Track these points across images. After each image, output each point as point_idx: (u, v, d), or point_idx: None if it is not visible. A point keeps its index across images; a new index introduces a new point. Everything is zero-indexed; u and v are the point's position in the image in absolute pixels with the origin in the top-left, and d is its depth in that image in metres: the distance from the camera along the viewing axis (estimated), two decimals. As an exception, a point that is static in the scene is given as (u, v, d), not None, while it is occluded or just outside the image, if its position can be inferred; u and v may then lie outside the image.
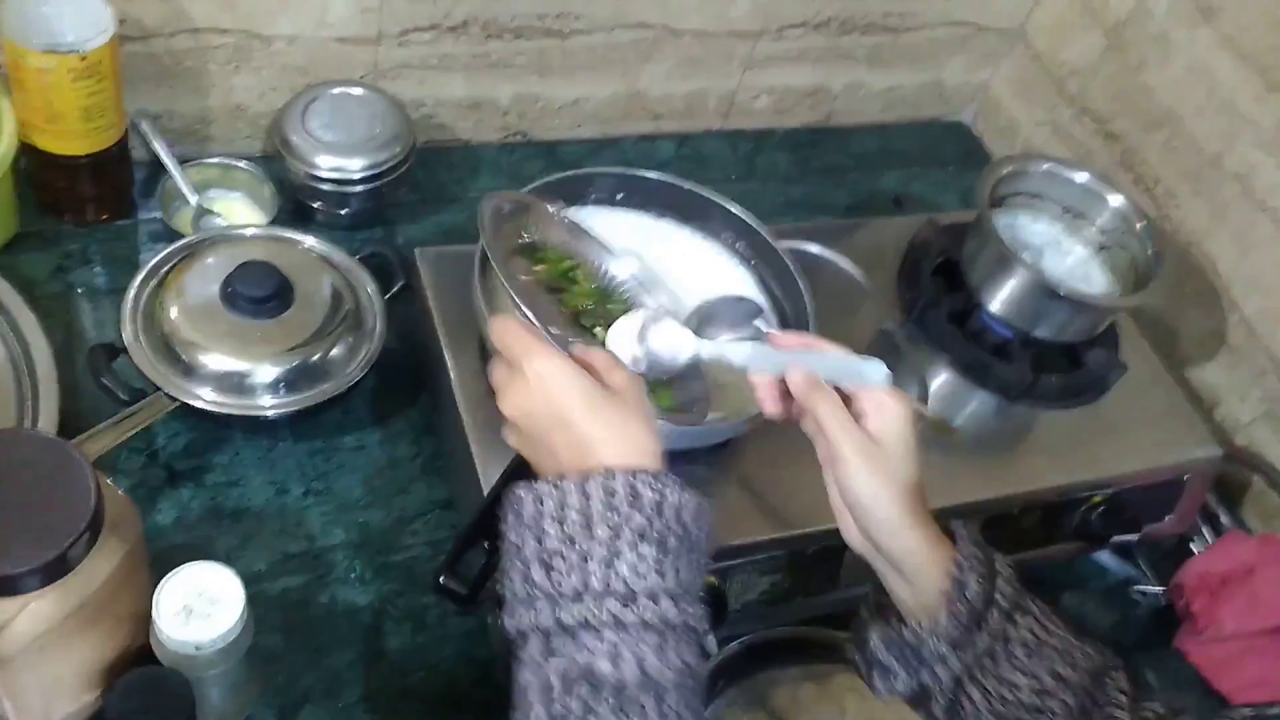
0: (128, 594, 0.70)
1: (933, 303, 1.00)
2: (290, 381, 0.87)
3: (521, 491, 0.58)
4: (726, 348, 0.69)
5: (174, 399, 0.84)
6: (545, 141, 1.22)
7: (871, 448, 0.65)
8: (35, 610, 0.63)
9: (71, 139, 0.92)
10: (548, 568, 0.56)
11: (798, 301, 0.89)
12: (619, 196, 0.94)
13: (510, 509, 0.59)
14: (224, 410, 0.85)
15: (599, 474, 0.57)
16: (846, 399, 0.67)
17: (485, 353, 0.87)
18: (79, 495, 0.64)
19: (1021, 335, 0.98)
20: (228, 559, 0.84)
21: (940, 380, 0.99)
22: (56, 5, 0.86)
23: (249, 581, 0.71)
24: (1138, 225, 1.00)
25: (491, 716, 0.81)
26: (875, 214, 1.26)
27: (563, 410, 0.61)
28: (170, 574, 0.69)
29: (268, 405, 0.86)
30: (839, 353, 0.69)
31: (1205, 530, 1.05)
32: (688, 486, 0.58)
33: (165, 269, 0.90)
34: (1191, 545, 1.06)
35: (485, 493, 0.81)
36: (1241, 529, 1.05)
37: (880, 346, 0.98)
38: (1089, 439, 0.98)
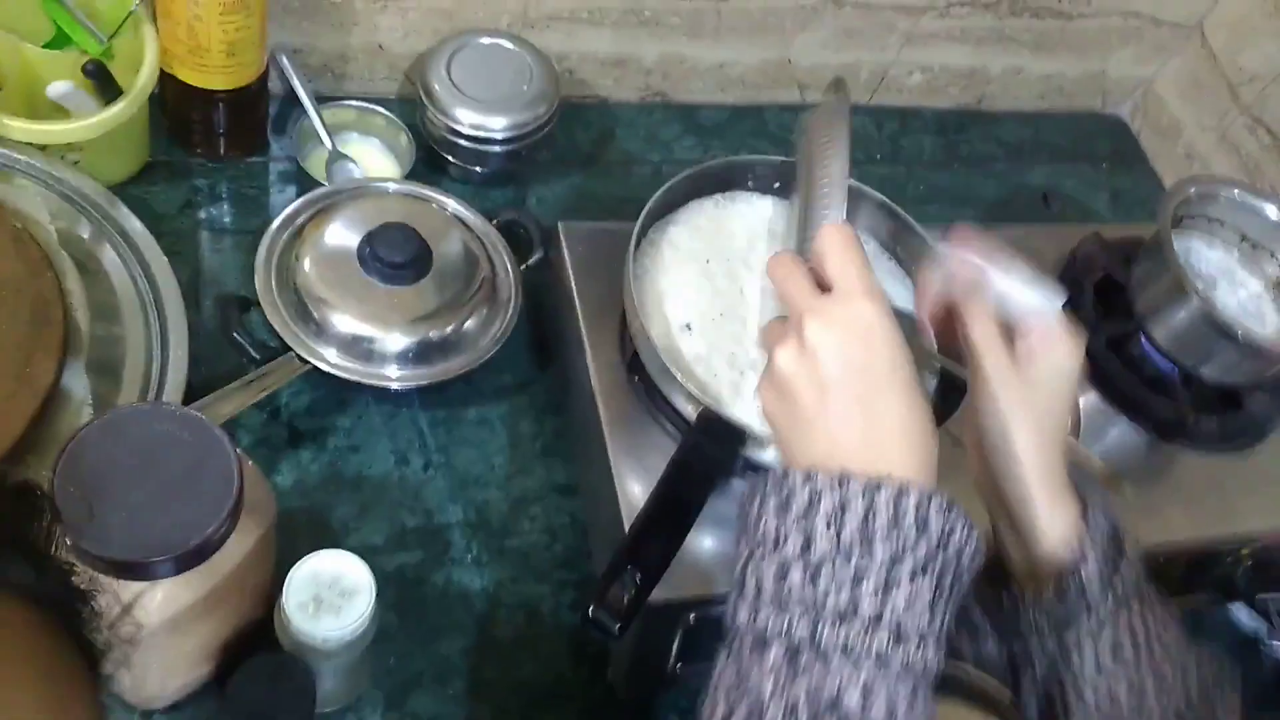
0: (256, 572, 0.68)
1: (1092, 326, 0.94)
2: (420, 353, 0.84)
3: (795, 478, 0.52)
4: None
5: (305, 361, 0.81)
6: (685, 104, 1.16)
7: (1020, 379, 0.59)
8: (167, 594, 0.62)
9: (213, 73, 0.88)
10: (812, 575, 0.50)
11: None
12: (776, 185, 0.88)
13: (773, 490, 0.52)
14: (352, 378, 0.82)
15: (891, 485, 0.50)
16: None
17: (626, 340, 0.83)
18: (221, 479, 0.61)
19: (1184, 371, 0.92)
20: (345, 528, 0.83)
21: (1088, 407, 0.94)
22: (211, -66, 0.82)
23: (366, 554, 0.69)
24: (1328, 268, 0.93)
25: (600, 717, 0.81)
26: (1023, 209, 1.20)
27: (882, 373, 0.53)
28: (302, 561, 0.67)
29: (395, 376, 0.83)
30: (1021, 270, 0.61)
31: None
32: (971, 520, 0.52)
33: (301, 219, 0.87)
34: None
35: (616, 486, 0.78)
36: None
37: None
38: (1240, 487, 0.92)
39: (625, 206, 0.85)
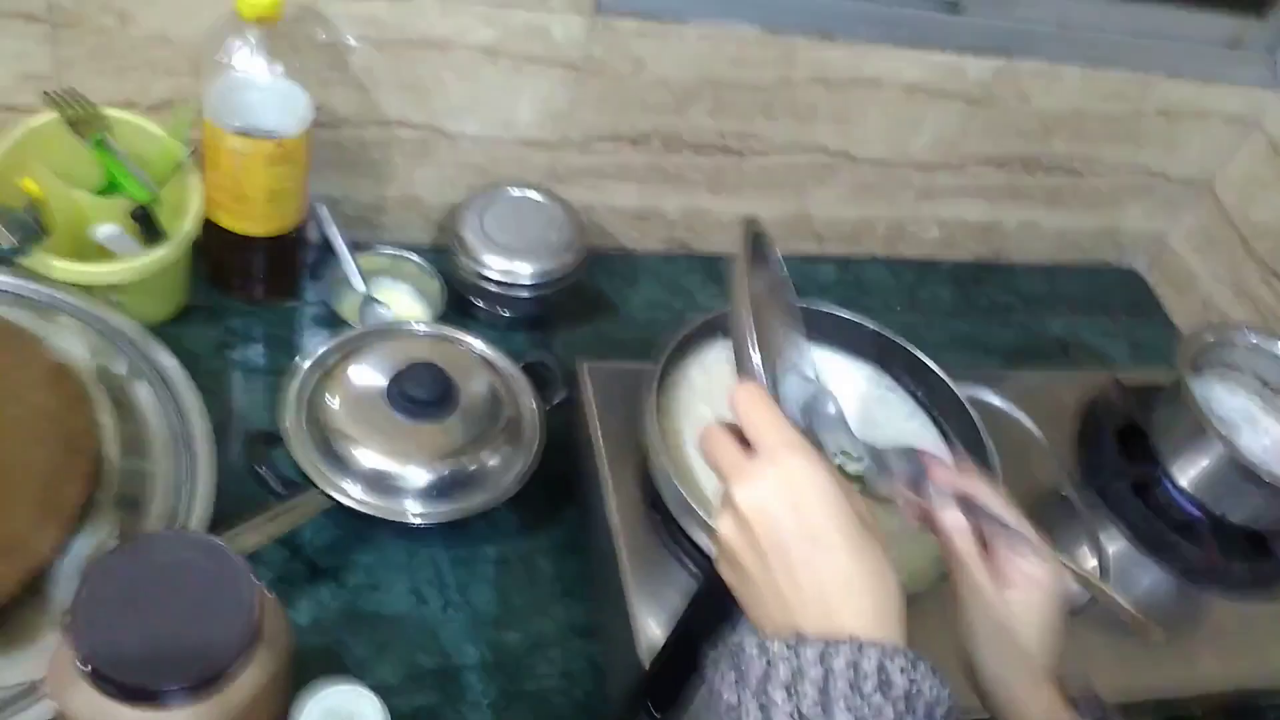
0: (269, 708, 0.67)
1: (1116, 471, 0.94)
2: (442, 489, 0.84)
3: (749, 646, 0.50)
4: (889, 455, 0.64)
5: (329, 497, 0.82)
6: (706, 254, 1.19)
7: (1006, 629, 0.59)
8: (180, 723, 0.61)
9: (254, 220, 0.92)
10: None
11: (982, 459, 0.83)
12: (796, 329, 0.90)
13: (729, 660, 0.51)
14: (376, 513, 0.83)
15: (846, 645, 0.48)
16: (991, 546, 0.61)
17: (647, 478, 0.83)
18: (239, 609, 0.61)
19: (1211, 516, 0.91)
20: (360, 667, 0.81)
21: (1116, 552, 0.93)
22: (259, 91, 0.87)
23: (381, 695, 0.68)
24: (1351, 413, 0.93)
25: None
26: (1042, 358, 1.21)
27: (817, 530, 0.51)
28: (315, 694, 0.67)
29: (417, 511, 0.84)
30: (999, 509, 0.61)
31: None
32: (942, 674, 0.50)
33: (331, 358, 0.89)
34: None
35: (634, 626, 0.77)
36: None
37: (1056, 510, 0.92)
38: (1276, 633, 0.90)
39: (648, 350, 0.87)
